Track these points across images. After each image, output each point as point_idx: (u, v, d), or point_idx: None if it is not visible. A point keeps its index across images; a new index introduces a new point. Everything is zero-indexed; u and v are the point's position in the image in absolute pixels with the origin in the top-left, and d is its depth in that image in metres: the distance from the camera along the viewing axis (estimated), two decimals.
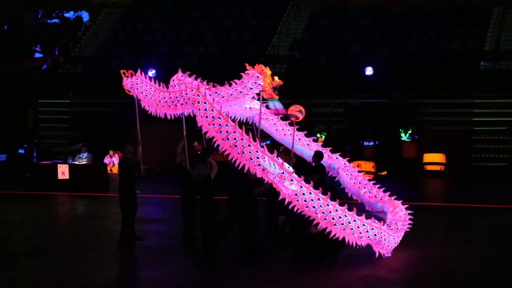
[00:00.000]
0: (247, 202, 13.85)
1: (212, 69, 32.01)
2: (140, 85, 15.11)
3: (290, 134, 15.93)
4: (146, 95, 14.98)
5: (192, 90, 14.21)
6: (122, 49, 37.46)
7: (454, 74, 31.52)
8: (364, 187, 15.94)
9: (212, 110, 13.81)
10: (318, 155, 15.80)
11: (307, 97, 32.76)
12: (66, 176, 24.89)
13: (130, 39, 37.95)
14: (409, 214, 15.13)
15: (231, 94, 14.41)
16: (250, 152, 13.37)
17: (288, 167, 13.52)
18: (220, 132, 13.63)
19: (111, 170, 27.91)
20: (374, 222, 13.89)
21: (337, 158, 16.28)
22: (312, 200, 13.24)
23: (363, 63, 32.11)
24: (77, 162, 25.71)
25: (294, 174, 13.37)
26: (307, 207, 13.24)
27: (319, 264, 13.57)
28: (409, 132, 27.18)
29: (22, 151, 33.53)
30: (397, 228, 14.43)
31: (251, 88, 14.40)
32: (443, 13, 35.41)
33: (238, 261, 13.89)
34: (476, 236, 16.66)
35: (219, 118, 13.72)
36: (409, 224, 14.91)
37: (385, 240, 13.89)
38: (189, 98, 14.19)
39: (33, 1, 41.83)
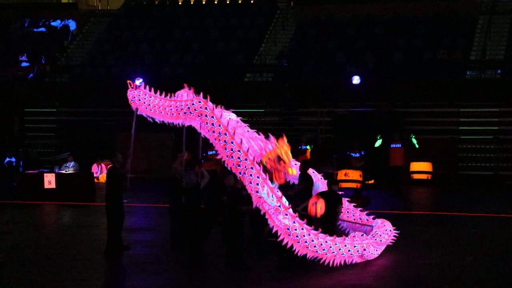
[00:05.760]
0: (233, 213, 13.85)
1: (198, 78, 31.98)
2: (143, 97, 14.93)
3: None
4: (149, 104, 14.81)
5: (200, 102, 14.13)
6: (109, 58, 37.40)
7: (440, 83, 31.66)
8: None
9: (219, 125, 13.86)
10: (305, 164, 15.75)
11: (294, 106, 32.82)
12: (53, 185, 24.79)
13: (117, 48, 37.90)
14: (395, 228, 15.29)
15: None
16: (251, 175, 13.44)
17: (285, 201, 13.53)
18: (225, 149, 13.73)
19: (97, 179, 27.80)
20: (363, 240, 14.17)
21: (313, 172, 16.10)
22: (303, 236, 13.37)
23: (349, 72, 32.18)
24: (63, 171, 25.61)
25: (290, 209, 13.42)
26: (298, 242, 13.37)
27: (305, 272, 13.59)
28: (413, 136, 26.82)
29: (11, 160, 33.32)
30: (380, 241, 14.70)
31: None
32: (428, 22, 35.54)
33: (224, 270, 13.87)
34: (463, 244, 16.70)
35: (225, 134, 13.78)
36: (393, 238, 15.10)
37: (369, 252, 14.24)
38: (195, 109, 14.08)
39: (19, 9, 41.72)
